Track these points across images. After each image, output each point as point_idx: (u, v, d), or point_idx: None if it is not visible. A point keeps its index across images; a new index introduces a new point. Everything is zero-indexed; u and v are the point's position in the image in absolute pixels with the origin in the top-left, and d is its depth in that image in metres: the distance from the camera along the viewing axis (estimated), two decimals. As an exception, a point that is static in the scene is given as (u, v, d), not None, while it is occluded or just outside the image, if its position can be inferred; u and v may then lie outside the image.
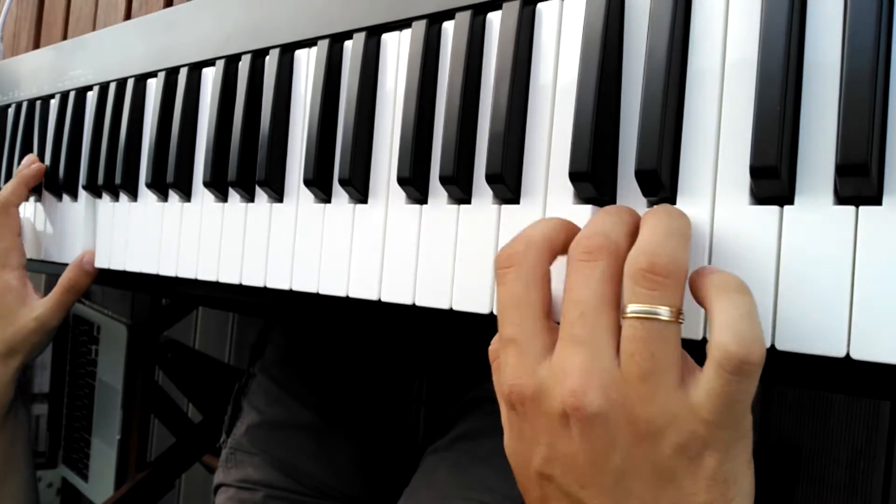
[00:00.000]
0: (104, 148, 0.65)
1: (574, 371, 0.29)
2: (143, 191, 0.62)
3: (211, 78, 0.57)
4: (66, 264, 0.70)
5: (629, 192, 0.35)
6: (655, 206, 0.32)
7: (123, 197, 0.64)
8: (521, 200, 0.38)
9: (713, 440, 0.28)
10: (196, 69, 0.58)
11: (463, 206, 0.41)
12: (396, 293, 0.43)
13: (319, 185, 0.47)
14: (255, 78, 0.53)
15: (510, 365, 0.32)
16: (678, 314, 0.28)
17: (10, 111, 0.80)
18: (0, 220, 0.70)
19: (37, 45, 0.97)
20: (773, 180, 0.30)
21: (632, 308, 0.29)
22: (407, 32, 0.44)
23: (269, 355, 0.76)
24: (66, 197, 0.72)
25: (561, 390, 0.29)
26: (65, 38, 0.91)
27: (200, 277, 0.55)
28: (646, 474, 0.29)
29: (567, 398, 0.29)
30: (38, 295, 0.70)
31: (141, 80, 0.63)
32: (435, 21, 0.43)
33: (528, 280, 0.32)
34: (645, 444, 0.28)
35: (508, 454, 0.33)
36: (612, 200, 0.36)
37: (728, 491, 0.28)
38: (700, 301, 0.30)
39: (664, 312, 0.28)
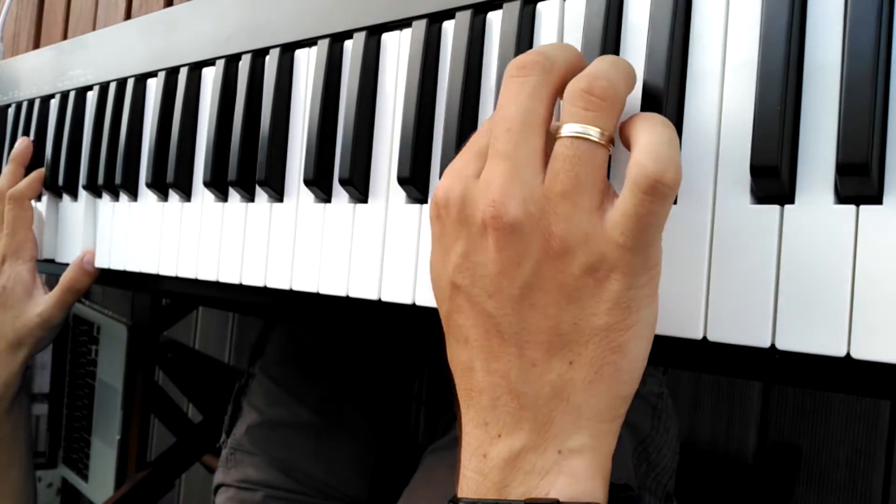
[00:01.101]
0: (104, 148, 0.65)
1: (496, 183, 0.30)
2: (144, 191, 0.62)
3: (211, 78, 0.57)
4: (66, 264, 0.70)
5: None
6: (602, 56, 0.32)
7: (123, 197, 0.64)
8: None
9: (621, 264, 0.29)
10: (196, 69, 0.58)
11: (463, 206, 0.41)
12: (396, 293, 0.43)
13: (319, 185, 0.47)
14: (255, 78, 0.53)
15: (453, 169, 0.32)
16: (609, 139, 0.29)
17: (10, 111, 0.80)
18: (16, 212, 0.71)
19: (37, 45, 0.97)
20: (773, 179, 0.30)
21: (566, 127, 0.29)
22: (407, 32, 0.44)
23: (269, 355, 0.76)
24: (66, 197, 0.72)
25: (483, 200, 0.30)
26: (65, 38, 0.91)
27: (200, 277, 0.55)
28: (552, 290, 0.29)
29: (487, 208, 0.29)
30: (45, 290, 0.71)
31: (141, 80, 0.63)
32: (435, 21, 0.43)
33: (531, 92, 0.31)
34: (555, 261, 0.29)
35: (430, 269, 0.34)
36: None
37: (629, 317, 0.29)
38: (627, 138, 0.30)
39: (595, 134, 0.29)
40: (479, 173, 0.31)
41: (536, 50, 0.32)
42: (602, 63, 0.31)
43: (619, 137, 0.31)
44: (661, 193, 0.28)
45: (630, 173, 0.28)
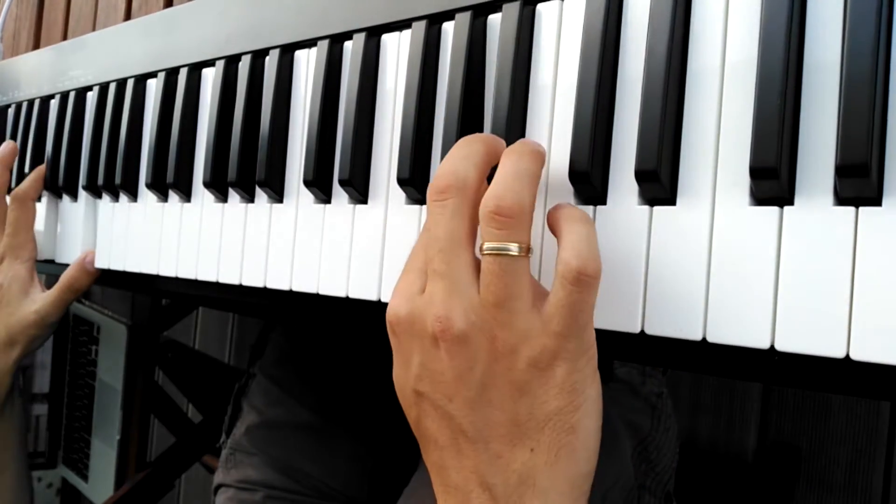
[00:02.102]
0: (104, 148, 0.65)
1: (438, 299, 0.33)
2: (143, 191, 0.62)
3: (211, 78, 0.57)
4: (66, 264, 0.70)
5: (628, 192, 0.35)
6: (508, 150, 0.35)
7: (123, 197, 0.64)
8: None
9: (561, 351, 0.32)
10: (196, 69, 0.58)
11: (463, 207, 0.41)
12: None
13: (319, 186, 0.47)
14: (255, 78, 0.53)
15: (398, 290, 0.36)
16: (526, 249, 0.32)
17: (10, 111, 0.80)
18: (18, 213, 0.71)
19: (37, 45, 0.97)
20: (772, 181, 0.30)
21: (486, 246, 0.33)
22: (407, 33, 0.44)
23: (268, 355, 0.76)
24: (66, 197, 0.72)
25: (430, 316, 0.33)
26: (65, 38, 0.91)
27: (200, 278, 0.55)
28: (504, 386, 0.32)
29: (434, 323, 0.33)
30: (43, 289, 0.71)
31: (141, 80, 0.63)
32: (435, 22, 0.43)
33: (453, 214, 0.34)
34: (502, 360, 0.32)
35: (395, 380, 0.37)
36: (612, 201, 0.36)
37: (576, 398, 0.32)
38: (553, 232, 0.34)
39: (514, 248, 0.32)
40: (423, 289, 0.35)
41: (447, 171, 0.34)
42: (507, 173, 0.33)
43: (547, 222, 0.35)
44: (585, 283, 0.31)
45: (557, 269, 0.32)
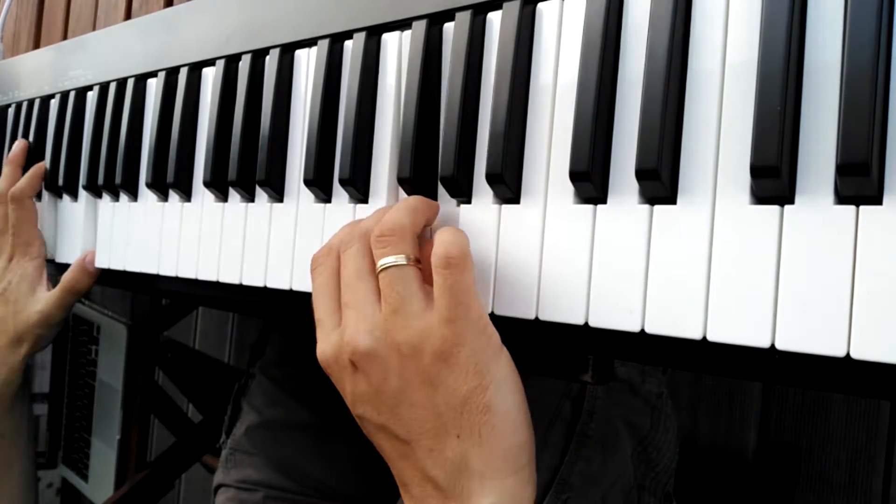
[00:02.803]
0: (104, 148, 0.65)
1: (348, 327, 0.37)
2: (144, 191, 0.62)
3: (211, 78, 0.57)
4: (67, 264, 0.70)
5: (628, 191, 0.35)
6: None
7: (123, 197, 0.64)
8: (522, 200, 0.38)
9: (456, 336, 0.35)
10: (196, 69, 0.58)
11: (463, 206, 0.41)
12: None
13: (320, 185, 0.47)
14: (255, 78, 0.53)
15: (319, 339, 0.39)
16: (414, 260, 0.37)
17: (10, 111, 0.80)
18: (19, 212, 0.71)
19: (37, 45, 0.97)
20: (773, 180, 0.30)
21: (378, 264, 0.37)
22: (407, 32, 0.44)
23: (268, 356, 0.76)
24: (66, 197, 0.72)
25: (344, 346, 0.37)
26: (65, 38, 0.91)
27: (201, 277, 0.55)
28: (418, 386, 0.36)
29: (346, 348, 0.37)
30: (50, 288, 0.71)
31: (141, 80, 0.63)
32: (435, 21, 0.43)
33: (330, 274, 0.40)
34: (410, 363, 0.36)
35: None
36: (613, 200, 0.36)
37: (483, 379, 0.35)
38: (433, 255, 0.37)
39: (400, 259, 0.37)
40: (336, 325, 0.39)
41: (350, 226, 0.41)
42: (390, 211, 0.39)
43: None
44: (454, 265, 0.35)
45: (431, 262, 0.36)
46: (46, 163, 0.73)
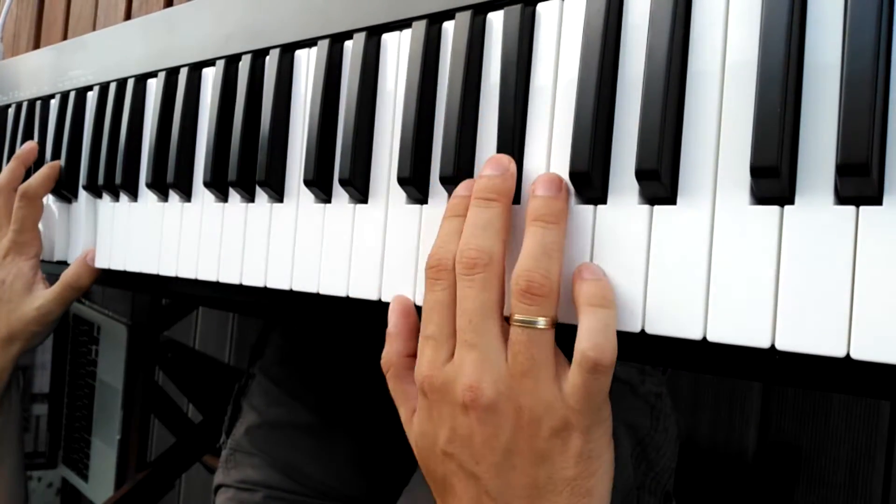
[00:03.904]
0: (104, 148, 0.65)
1: (469, 369, 0.36)
2: (144, 191, 0.62)
3: (211, 78, 0.57)
4: (67, 264, 0.70)
5: (628, 191, 0.35)
6: (533, 214, 0.36)
7: (124, 197, 0.64)
8: (522, 200, 0.38)
9: (579, 424, 0.34)
10: (196, 69, 0.58)
11: (463, 206, 0.41)
12: (397, 293, 0.43)
13: (319, 186, 0.47)
14: (255, 78, 0.53)
15: (426, 358, 0.38)
16: (553, 323, 0.35)
17: (10, 111, 0.80)
18: (25, 211, 0.71)
19: (37, 45, 0.97)
20: (773, 180, 0.30)
21: (516, 317, 0.35)
22: (407, 32, 0.44)
23: (268, 356, 0.76)
24: (66, 197, 0.72)
25: (461, 385, 0.36)
26: (65, 38, 0.91)
27: (200, 277, 0.55)
28: (527, 453, 0.35)
29: (465, 392, 0.35)
30: (46, 286, 0.71)
31: (141, 80, 0.63)
32: (435, 21, 0.43)
33: (452, 294, 0.37)
34: (526, 429, 0.35)
35: (417, 434, 0.39)
36: (613, 200, 0.36)
37: (591, 465, 0.35)
38: (574, 304, 0.35)
39: (541, 322, 0.34)
40: (450, 354, 0.37)
41: (472, 245, 0.36)
42: (534, 248, 0.35)
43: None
44: (600, 372, 0.33)
45: (575, 357, 0.34)
46: (47, 162, 0.73)
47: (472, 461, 0.36)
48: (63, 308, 0.70)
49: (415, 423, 0.40)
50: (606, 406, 0.35)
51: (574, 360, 0.34)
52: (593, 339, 0.33)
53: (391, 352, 0.41)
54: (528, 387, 0.34)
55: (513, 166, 0.38)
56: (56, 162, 0.71)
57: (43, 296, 0.69)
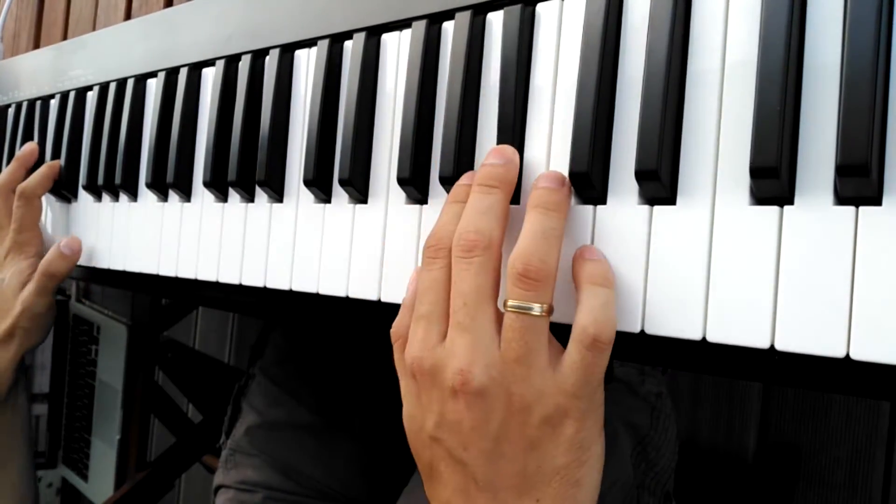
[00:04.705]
0: (104, 148, 0.65)
1: (460, 353, 0.35)
2: (143, 191, 0.62)
3: (211, 78, 0.57)
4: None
5: (628, 192, 0.35)
6: (535, 201, 0.35)
7: (123, 197, 0.64)
8: (521, 200, 0.38)
9: (572, 410, 0.33)
10: (196, 69, 0.58)
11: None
12: (396, 293, 0.43)
13: (319, 186, 0.47)
14: (255, 78, 0.53)
15: (417, 338, 0.37)
16: (549, 310, 0.34)
17: (10, 111, 0.80)
18: (23, 210, 0.71)
19: (37, 45, 0.97)
20: (772, 180, 0.30)
21: (510, 303, 0.34)
22: (407, 32, 0.44)
23: (268, 356, 0.76)
24: (65, 197, 0.72)
25: (451, 368, 0.35)
26: (65, 38, 0.91)
27: (200, 277, 0.55)
28: (517, 440, 0.34)
29: (455, 376, 0.34)
30: None
31: (141, 80, 0.63)
32: (435, 21, 0.43)
33: (447, 274, 0.36)
34: (517, 416, 0.34)
35: (405, 418, 0.38)
36: (612, 201, 0.36)
37: (583, 454, 0.34)
38: (575, 282, 0.35)
39: (537, 308, 0.34)
40: (442, 336, 0.36)
41: (471, 228, 0.36)
42: (533, 232, 0.34)
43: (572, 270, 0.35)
44: (599, 349, 0.33)
45: (574, 333, 0.33)
46: (49, 161, 0.73)
47: (460, 447, 0.35)
48: (45, 299, 0.70)
49: (404, 406, 0.39)
50: (600, 391, 0.35)
51: (572, 337, 0.33)
52: (593, 315, 0.33)
53: (402, 323, 0.39)
54: (520, 373, 0.34)
55: (516, 157, 0.37)
56: (55, 162, 0.71)
57: (26, 290, 0.69)
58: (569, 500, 0.34)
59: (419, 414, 0.37)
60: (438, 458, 0.37)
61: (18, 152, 0.74)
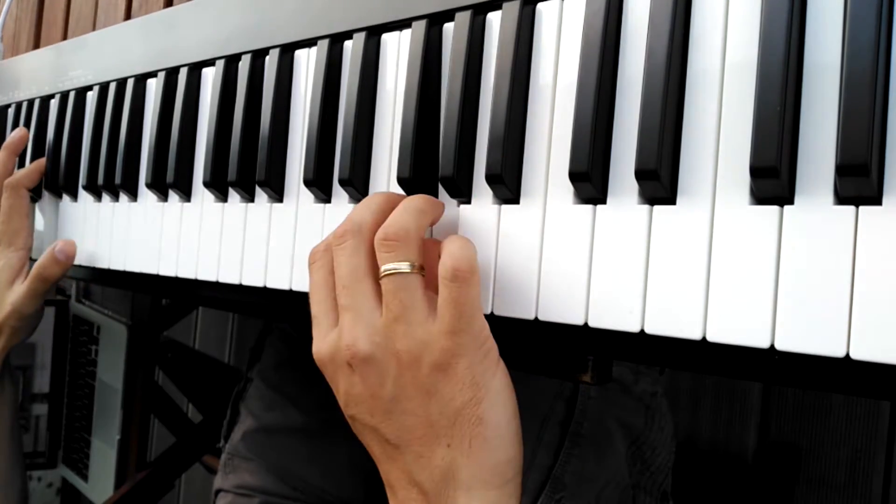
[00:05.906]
0: (104, 148, 0.65)
1: (345, 330, 0.37)
2: (143, 191, 0.62)
3: (211, 78, 0.57)
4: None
5: (628, 191, 0.35)
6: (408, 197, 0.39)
7: (123, 197, 0.64)
8: (521, 200, 0.38)
9: (456, 348, 0.35)
10: (196, 69, 0.58)
11: (463, 206, 0.41)
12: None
13: (319, 186, 0.47)
14: (255, 78, 0.53)
15: (317, 337, 0.40)
16: (418, 267, 0.36)
17: (10, 111, 0.80)
18: (11, 201, 0.71)
19: (37, 45, 0.97)
20: (773, 180, 0.30)
21: (381, 269, 0.37)
22: (407, 32, 0.44)
23: (266, 360, 0.76)
24: (66, 197, 0.72)
25: (342, 347, 0.37)
26: (65, 38, 0.91)
27: (200, 277, 0.55)
28: (414, 394, 0.36)
29: (344, 351, 0.37)
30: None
31: (141, 80, 0.63)
32: (435, 21, 0.43)
33: (328, 271, 0.40)
34: (408, 371, 0.36)
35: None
36: (612, 200, 0.35)
37: (479, 391, 0.35)
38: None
39: (404, 266, 0.36)
40: (334, 324, 0.39)
41: (347, 219, 0.39)
42: (396, 212, 0.38)
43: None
44: (461, 279, 0.35)
45: (438, 272, 0.36)
46: (46, 163, 0.73)
47: (367, 415, 0.37)
48: (35, 301, 0.70)
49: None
50: (479, 324, 0.36)
51: (438, 279, 0.36)
52: (450, 251, 0.36)
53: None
54: (401, 331, 0.36)
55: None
56: (42, 159, 0.72)
57: (16, 291, 0.69)
58: (476, 438, 0.35)
59: (339, 399, 0.39)
60: (360, 433, 0.39)
61: (6, 140, 0.74)
